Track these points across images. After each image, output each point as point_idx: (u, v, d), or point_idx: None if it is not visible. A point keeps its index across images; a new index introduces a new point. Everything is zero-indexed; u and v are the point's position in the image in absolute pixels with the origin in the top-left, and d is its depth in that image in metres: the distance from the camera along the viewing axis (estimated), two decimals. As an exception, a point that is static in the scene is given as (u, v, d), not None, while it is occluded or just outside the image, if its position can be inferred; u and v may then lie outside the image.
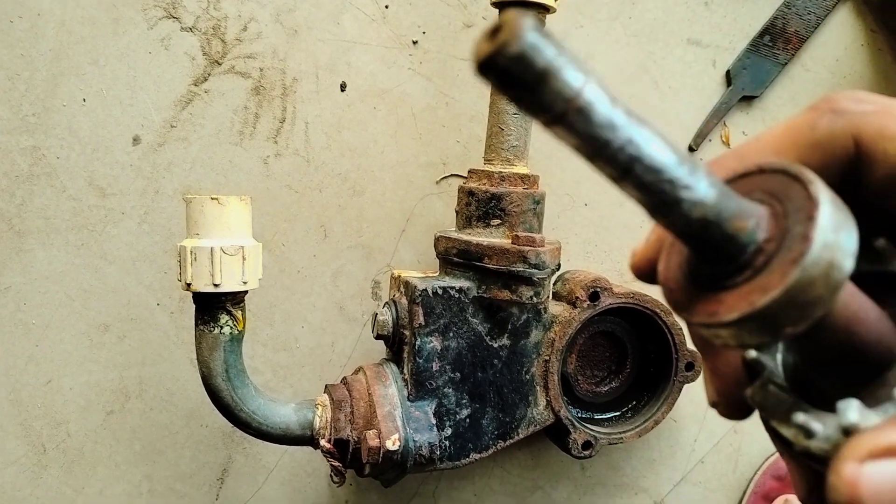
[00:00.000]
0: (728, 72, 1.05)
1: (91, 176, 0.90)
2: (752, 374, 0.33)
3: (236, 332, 0.79)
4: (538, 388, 0.88)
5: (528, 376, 0.87)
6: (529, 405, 0.88)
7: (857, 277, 0.31)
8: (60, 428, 0.91)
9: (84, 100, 0.89)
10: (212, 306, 0.77)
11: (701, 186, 0.26)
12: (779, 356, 0.33)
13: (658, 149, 0.25)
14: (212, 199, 0.75)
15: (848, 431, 0.28)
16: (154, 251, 0.91)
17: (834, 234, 0.25)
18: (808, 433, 0.29)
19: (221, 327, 0.78)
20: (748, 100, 1.06)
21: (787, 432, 0.30)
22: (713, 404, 0.37)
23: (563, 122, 0.23)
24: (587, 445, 0.91)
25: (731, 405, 0.36)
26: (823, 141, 0.30)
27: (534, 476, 1.05)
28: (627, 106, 0.24)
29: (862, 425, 0.28)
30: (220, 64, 0.91)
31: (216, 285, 0.75)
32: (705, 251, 0.27)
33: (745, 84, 1.05)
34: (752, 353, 0.33)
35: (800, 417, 0.29)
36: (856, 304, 0.30)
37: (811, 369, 0.33)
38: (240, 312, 0.79)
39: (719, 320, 0.26)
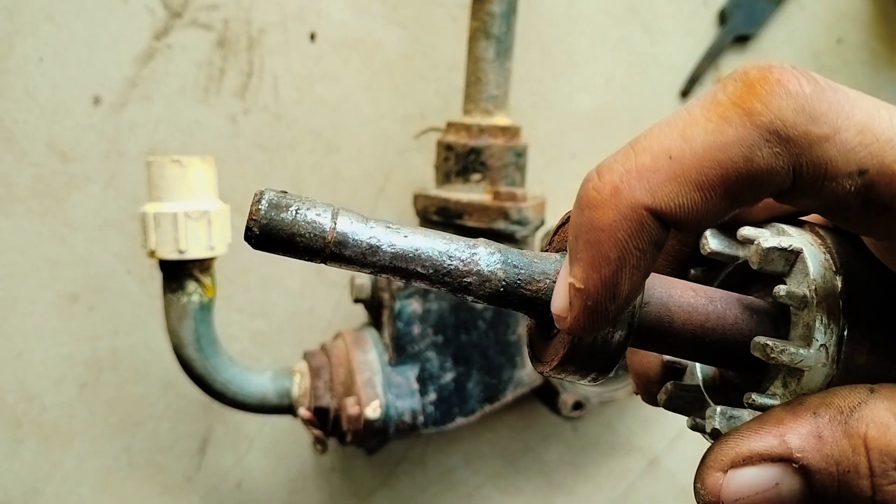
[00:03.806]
0: (721, 11, 1.00)
1: (51, 140, 0.85)
2: (671, 373, 0.37)
3: (205, 299, 0.75)
4: (525, 348, 0.85)
5: (514, 337, 0.84)
6: (516, 366, 0.85)
7: (730, 272, 0.35)
8: (34, 402, 0.89)
9: (41, 59, 0.84)
10: (178, 274, 0.74)
11: (483, 266, 0.29)
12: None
13: (427, 251, 0.28)
14: (172, 161, 0.71)
15: (714, 435, 0.31)
16: (121, 217, 0.87)
17: None
18: (698, 427, 0.33)
19: (190, 295, 0.74)
20: (742, 40, 1.01)
21: (688, 423, 0.34)
22: (636, 393, 0.39)
23: (333, 258, 0.28)
24: (578, 405, 0.88)
25: (648, 397, 0.37)
26: (759, 179, 0.25)
27: (524, 438, 1.02)
28: (387, 222, 0.28)
29: (724, 431, 0.30)
30: (181, 16, 0.86)
31: (181, 252, 0.72)
32: (524, 311, 0.31)
33: (738, 23, 1.00)
34: (668, 357, 0.36)
35: (688, 421, 0.34)
36: (692, 309, 0.31)
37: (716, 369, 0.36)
38: (208, 279, 0.75)
39: (544, 371, 0.31)
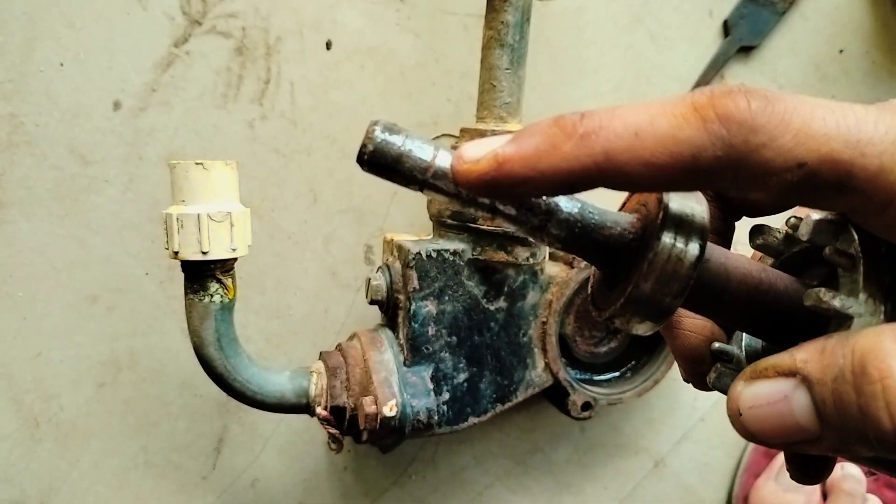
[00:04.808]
0: (725, 21, 1.02)
1: (72, 143, 0.87)
2: (718, 360, 0.38)
3: (227, 300, 0.77)
4: (536, 350, 0.87)
5: (525, 339, 0.86)
6: (527, 368, 0.86)
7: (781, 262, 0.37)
8: (52, 401, 0.90)
9: (61, 64, 0.86)
10: (201, 274, 0.75)
11: (562, 206, 0.32)
12: (743, 343, 0.39)
13: None
14: (196, 164, 0.73)
15: None
16: (140, 219, 0.89)
17: (674, 236, 0.30)
18: None
19: (211, 296, 0.76)
20: (746, 50, 1.03)
21: None
22: (685, 381, 0.41)
23: (428, 187, 0.31)
24: (586, 406, 0.90)
25: (696, 379, 0.40)
26: (701, 174, 0.29)
27: (533, 438, 1.04)
28: None
29: None
30: (200, 24, 0.88)
31: (204, 253, 0.73)
32: (591, 258, 0.33)
33: (742, 34, 1.02)
34: (716, 345, 0.38)
35: None
36: (747, 272, 0.34)
37: (765, 349, 0.38)
38: (230, 280, 0.77)
39: (603, 316, 0.33)
